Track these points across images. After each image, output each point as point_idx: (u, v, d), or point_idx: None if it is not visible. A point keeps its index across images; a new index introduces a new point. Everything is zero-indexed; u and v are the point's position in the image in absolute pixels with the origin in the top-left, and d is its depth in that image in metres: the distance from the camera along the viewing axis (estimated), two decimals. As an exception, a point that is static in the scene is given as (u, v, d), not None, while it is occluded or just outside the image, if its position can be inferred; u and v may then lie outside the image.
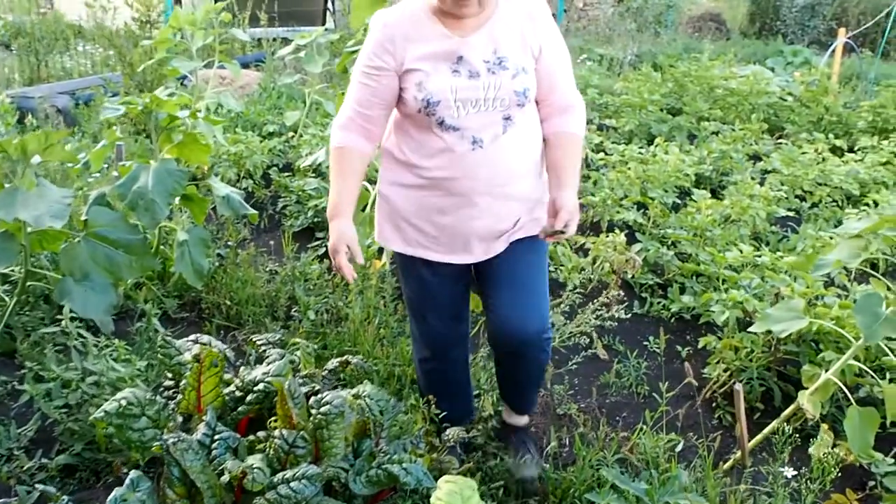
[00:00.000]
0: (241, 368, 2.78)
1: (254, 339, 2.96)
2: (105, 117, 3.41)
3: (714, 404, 3.43)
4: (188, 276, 3.58)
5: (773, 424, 3.10)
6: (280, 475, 2.23)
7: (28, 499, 2.51)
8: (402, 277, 2.77)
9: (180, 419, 2.56)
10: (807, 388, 3.01)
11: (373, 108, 2.45)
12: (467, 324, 2.89)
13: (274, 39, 8.94)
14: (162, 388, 2.78)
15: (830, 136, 6.69)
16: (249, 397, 2.58)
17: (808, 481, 2.82)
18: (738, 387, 2.87)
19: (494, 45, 2.37)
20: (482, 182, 2.42)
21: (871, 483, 3.09)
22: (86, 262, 3.15)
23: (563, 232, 2.36)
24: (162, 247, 3.95)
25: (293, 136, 6.14)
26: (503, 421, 3.00)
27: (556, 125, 2.48)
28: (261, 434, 2.46)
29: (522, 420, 2.97)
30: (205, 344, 2.79)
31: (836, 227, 4.86)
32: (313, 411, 2.41)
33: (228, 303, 3.82)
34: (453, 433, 2.74)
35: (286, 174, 5.35)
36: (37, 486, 2.38)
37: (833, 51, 9.19)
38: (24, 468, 2.67)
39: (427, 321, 2.73)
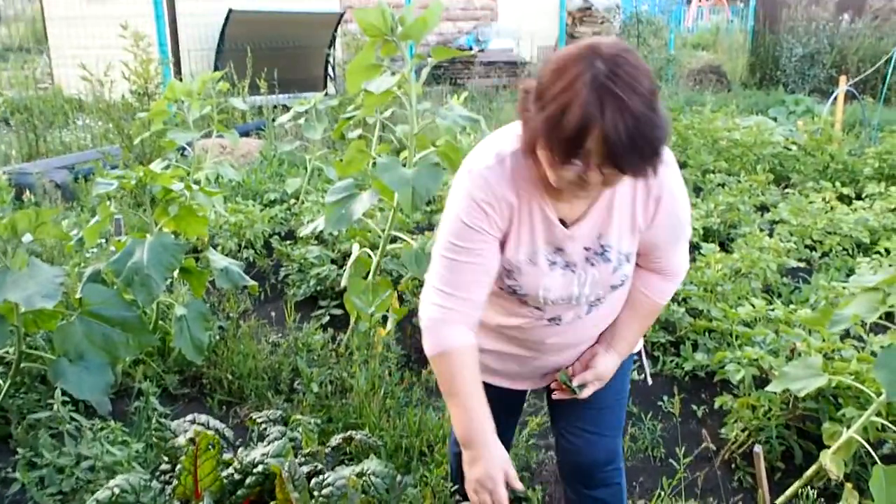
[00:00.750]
0: (241, 448, 2.68)
1: (254, 417, 2.87)
2: (98, 192, 3.37)
3: (733, 465, 3.30)
4: (187, 352, 3.50)
5: (796, 486, 2.98)
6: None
7: None
8: None
9: (177, 504, 2.46)
10: (828, 447, 2.89)
11: (477, 290, 2.02)
12: (512, 432, 2.79)
13: (274, 107, 8.98)
14: (159, 473, 2.68)
15: (837, 183, 6.64)
16: (249, 480, 2.47)
17: (838, 547, 2.69)
18: (758, 449, 2.75)
19: (600, 230, 2.01)
20: (552, 344, 2.22)
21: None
22: (81, 341, 3.07)
23: (574, 391, 2.25)
24: (161, 322, 3.88)
25: (295, 204, 6.11)
26: None
27: (649, 285, 2.20)
28: (261, 518, 2.36)
29: None
30: (202, 424, 2.69)
31: (847, 276, 4.77)
32: (315, 493, 2.31)
33: (230, 377, 3.73)
34: (462, 510, 2.63)
35: (288, 242, 5.31)
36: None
37: (835, 98, 9.19)
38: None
39: None
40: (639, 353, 2.56)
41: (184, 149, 6.38)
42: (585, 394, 2.25)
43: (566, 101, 1.66)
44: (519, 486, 2.00)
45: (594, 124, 1.64)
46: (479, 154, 1.98)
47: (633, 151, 1.68)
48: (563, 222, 2.00)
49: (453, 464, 2.76)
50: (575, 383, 2.26)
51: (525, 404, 2.85)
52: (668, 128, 1.76)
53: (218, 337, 3.97)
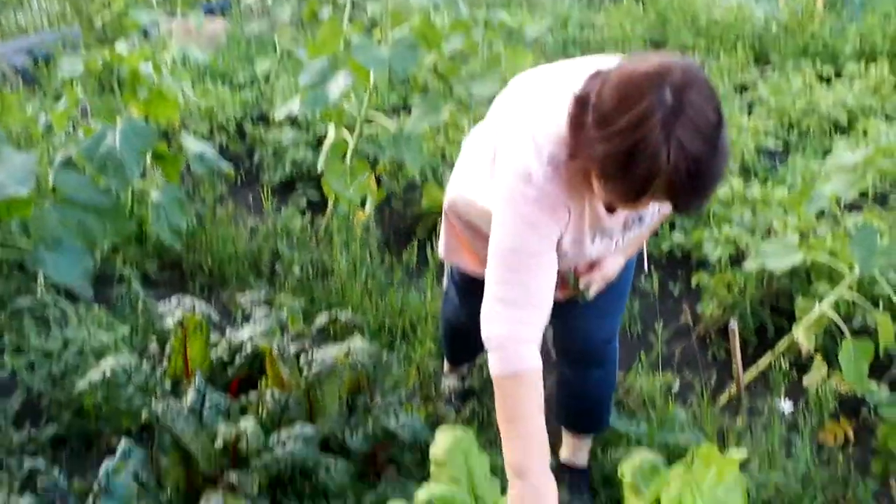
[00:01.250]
0: (228, 329, 2.72)
1: (239, 299, 2.89)
2: (63, 76, 3.26)
3: (708, 341, 3.41)
4: (165, 237, 3.48)
5: (768, 359, 3.08)
6: (274, 437, 2.18)
7: (19, 474, 2.45)
8: (464, 294, 2.56)
9: (169, 385, 2.50)
10: (801, 322, 2.99)
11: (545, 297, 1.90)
12: None
13: (241, -14, 8.64)
14: (148, 355, 2.71)
15: (817, 63, 6.59)
16: (238, 359, 2.52)
17: (805, 412, 2.82)
18: (733, 325, 2.84)
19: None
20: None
21: (865, 410, 3.09)
22: (57, 228, 3.03)
23: (580, 291, 2.24)
24: (137, 208, 3.84)
25: (265, 86, 5.97)
26: (561, 462, 2.67)
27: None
28: (252, 395, 2.41)
29: (581, 459, 2.67)
30: (188, 306, 2.71)
31: (825, 156, 4.80)
32: (304, 371, 2.35)
33: (210, 262, 3.73)
34: (449, 385, 2.70)
35: (261, 126, 5.21)
36: (26, 459, 2.31)
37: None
38: (13, 441, 2.61)
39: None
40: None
41: (147, 31, 6.16)
42: (591, 294, 2.26)
43: (633, 143, 1.57)
44: None
45: (660, 172, 1.57)
46: (529, 155, 1.83)
47: (692, 193, 1.64)
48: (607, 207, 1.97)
49: (444, 325, 2.81)
50: (581, 285, 2.26)
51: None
52: (727, 162, 1.68)
53: (195, 223, 3.95)
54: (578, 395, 2.59)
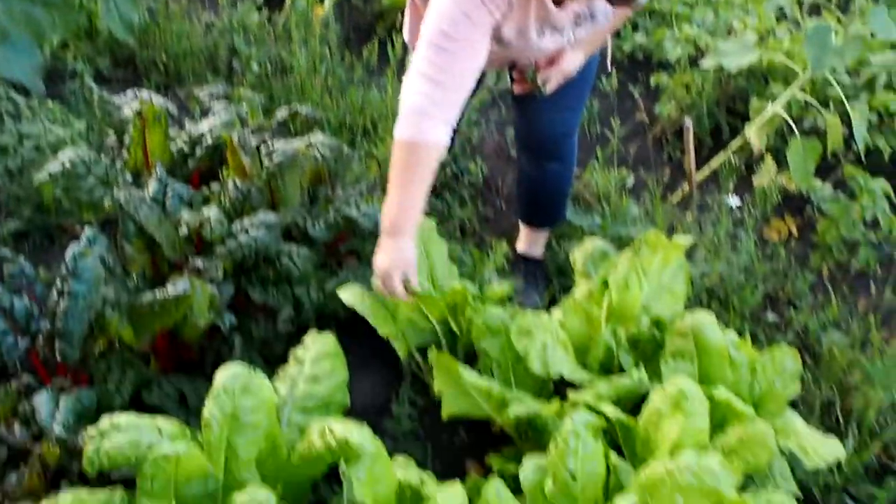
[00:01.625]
0: (187, 122, 2.70)
1: (196, 94, 2.85)
2: None
3: (665, 141, 3.47)
4: (117, 31, 3.31)
5: (720, 158, 3.16)
6: (238, 224, 2.23)
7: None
8: None
9: (129, 177, 2.51)
10: (754, 121, 3.05)
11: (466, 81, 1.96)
12: None
13: None
14: (106, 148, 2.70)
15: None
16: (198, 151, 2.53)
17: (751, 206, 2.93)
18: (688, 122, 2.89)
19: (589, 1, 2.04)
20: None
21: (809, 209, 3.22)
22: (2, 19, 2.92)
23: (537, 86, 2.23)
24: (86, 3, 3.68)
25: None
26: (518, 253, 2.80)
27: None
28: (214, 186, 2.44)
29: (537, 251, 2.79)
30: (146, 98, 2.67)
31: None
32: (265, 161, 2.37)
33: (165, 58, 3.64)
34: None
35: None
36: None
37: None
38: (-26, 235, 2.63)
39: None
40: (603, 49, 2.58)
41: None
42: (548, 89, 2.27)
43: None
44: (416, 287, 2.04)
45: None
46: None
47: None
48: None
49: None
50: (539, 80, 2.26)
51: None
52: None
53: (147, 17, 3.81)
54: (536, 189, 2.66)
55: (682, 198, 3.14)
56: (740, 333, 2.43)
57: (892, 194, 2.96)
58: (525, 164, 2.63)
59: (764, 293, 2.84)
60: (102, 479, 1.84)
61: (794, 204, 3.25)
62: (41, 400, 1.90)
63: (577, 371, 2.11)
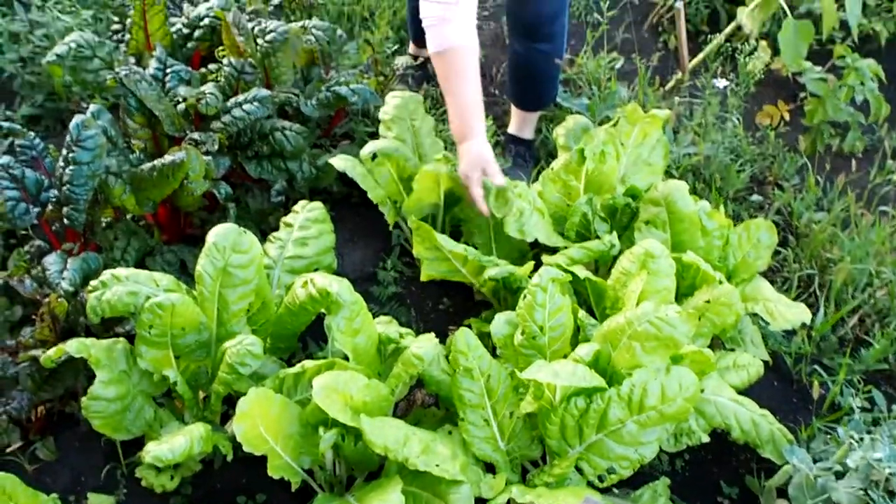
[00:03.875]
0: (185, 5, 2.78)
1: (196, -20, 2.91)
2: None
3: (660, 29, 3.49)
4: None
5: (714, 42, 3.18)
6: (233, 99, 2.33)
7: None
8: None
9: (132, 60, 2.61)
10: (749, 3, 3.05)
11: None
12: None
13: None
14: (110, 33, 2.80)
15: None
16: (197, 33, 2.62)
17: (741, 91, 2.97)
18: (679, 4, 2.91)
19: None
20: None
21: (802, 95, 3.25)
22: None
23: None
24: None
25: None
26: (509, 134, 2.88)
27: None
28: (212, 66, 2.53)
29: (527, 133, 2.86)
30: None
31: None
32: (259, 40, 2.46)
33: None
34: (402, 62, 2.82)
35: None
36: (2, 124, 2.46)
37: None
38: (-10, 120, 2.76)
39: None
40: None
41: None
42: None
43: None
44: (500, 181, 2.19)
45: None
46: None
47: None
48: None
49: (409, 9, 2.91)
50: None
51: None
52: None
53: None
54: (527, 71, 2.73)
55: (675, 84, 3.18)
56: (728, 215, 2.50)
57: (882, 75, 2.98)
58: (516, 47, 2.69)
59: (751, 175, 2.91)
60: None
61: (787, 90, 3.28)
62: (51, 260, 2.05)
63: (553, 237, 2.22)
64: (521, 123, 2.83)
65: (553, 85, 2.78)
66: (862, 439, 1.84)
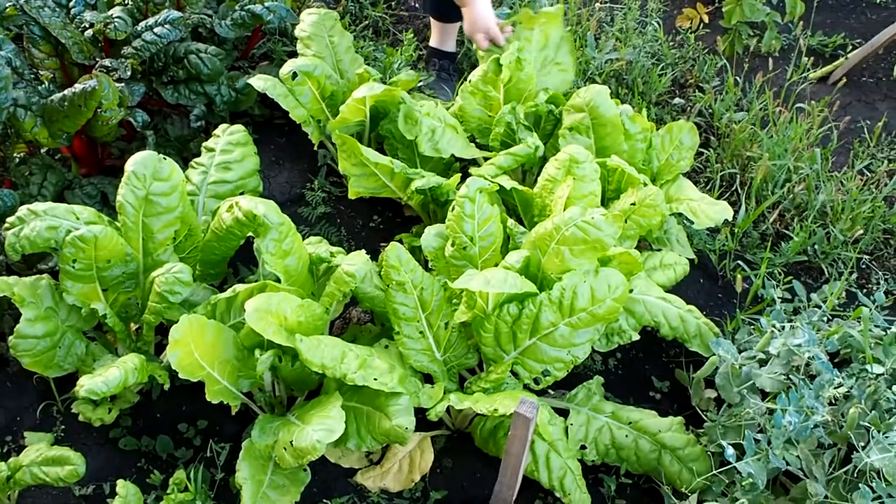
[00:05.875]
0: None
1: None
2: None
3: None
4: None
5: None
6: (143, 23, 2.25)
7: None
8: None
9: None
10: None
11: None
12: None
13: None
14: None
15: None
16: (98, -45, 2.49)
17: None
18: None
19: None
20: None
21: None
22: None
23: None
24: None
25: None
26: (431, 47, 2.84)
27: None
28: (118, -9, 2.42)
29: (449, 45, 2.82)
30: None
31: None
32: (165, -41, 2.36)
33: None
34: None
35: None
36: None
37: None
38: None
39: None
40: None
41: None
42: None
43: None
44: (500, 41, 2.45)
45: None
46: None
47: None
48: None
49: None
50: None
51: None
52: None
53: None
54: None
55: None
56: (650, 119, 2.52)
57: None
58: None
59: (672, 78, 2.94)
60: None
61: (707, -9, 3.28)
62: (-38, 198, 1.98)
63: (470, 149, 2.22)
64: (441, 36, 2.79)
65: None
66: (783, 328, 1.92)
